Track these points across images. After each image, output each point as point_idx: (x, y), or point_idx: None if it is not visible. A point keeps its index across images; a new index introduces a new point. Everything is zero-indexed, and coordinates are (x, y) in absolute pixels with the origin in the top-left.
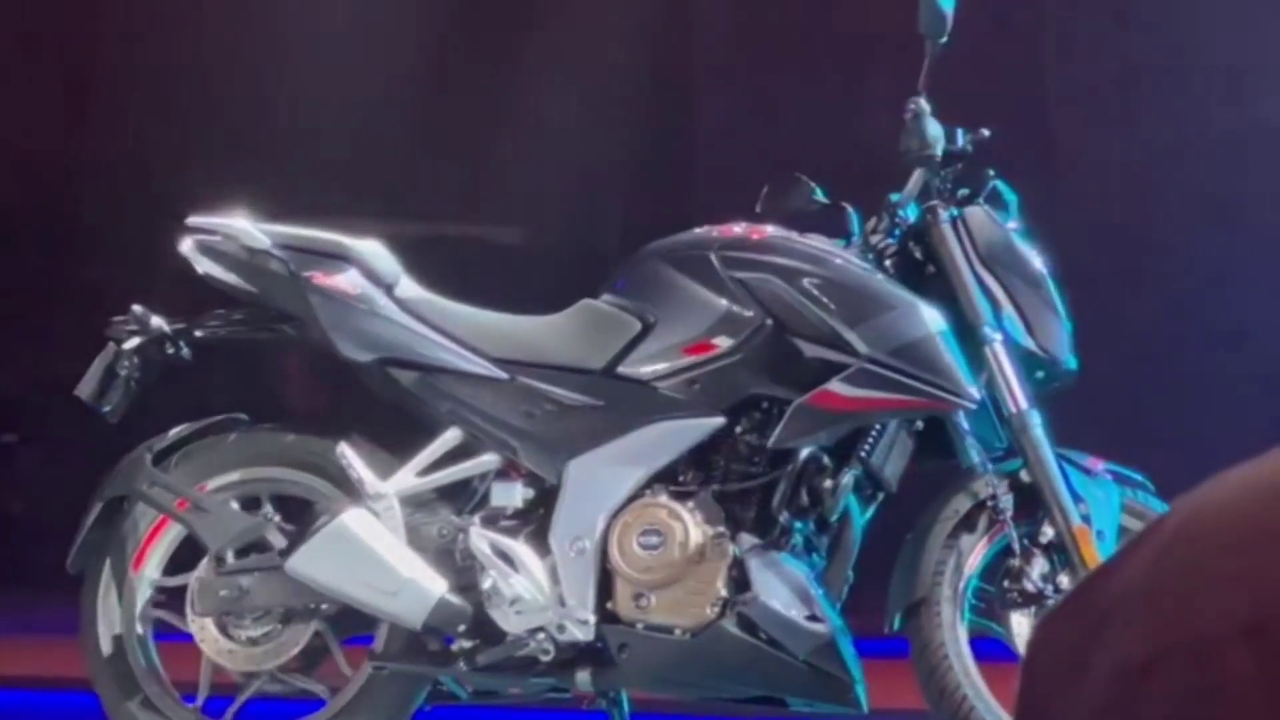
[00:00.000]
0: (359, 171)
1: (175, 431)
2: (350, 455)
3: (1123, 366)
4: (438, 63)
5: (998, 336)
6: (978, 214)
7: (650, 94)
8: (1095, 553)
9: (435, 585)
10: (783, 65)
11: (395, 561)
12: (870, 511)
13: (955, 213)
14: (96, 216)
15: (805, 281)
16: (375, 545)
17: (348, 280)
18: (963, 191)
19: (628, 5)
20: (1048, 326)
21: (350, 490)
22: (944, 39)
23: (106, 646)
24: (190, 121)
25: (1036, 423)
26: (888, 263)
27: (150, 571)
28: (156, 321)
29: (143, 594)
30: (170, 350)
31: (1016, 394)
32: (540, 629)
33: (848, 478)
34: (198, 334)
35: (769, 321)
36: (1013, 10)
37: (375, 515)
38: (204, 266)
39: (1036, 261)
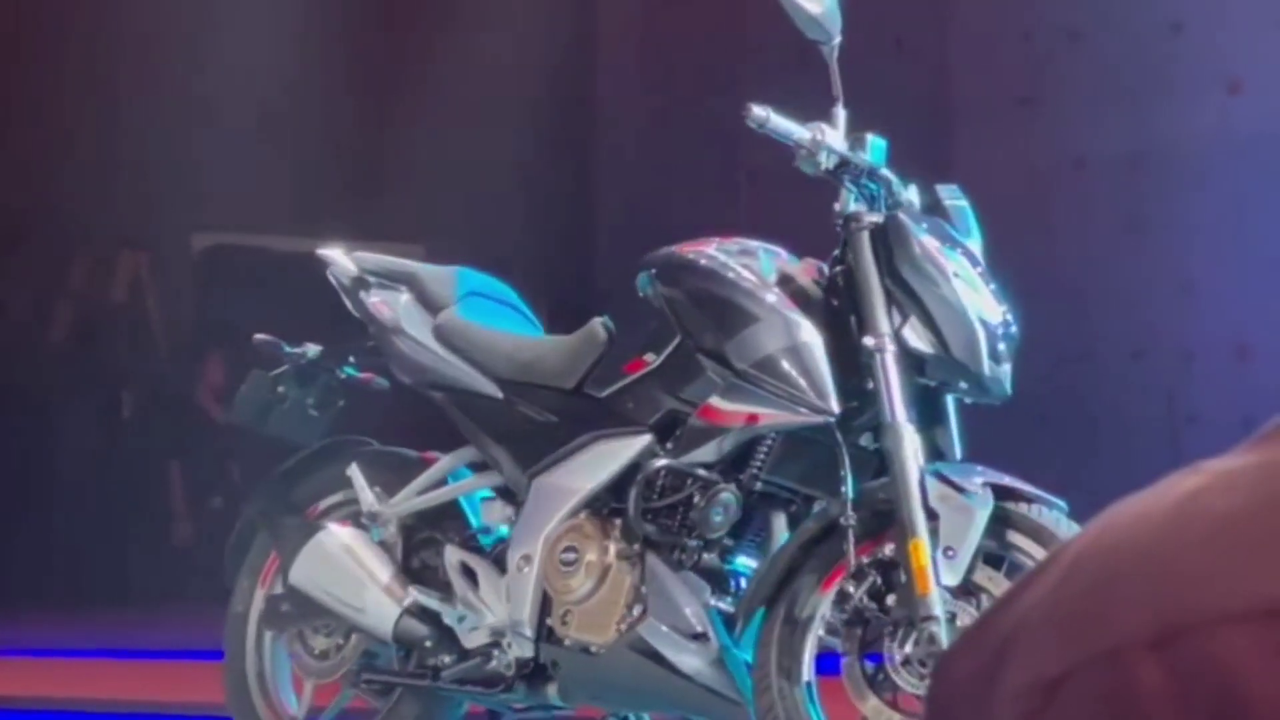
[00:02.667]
0: (263, 194)
1: (300, 454)
2: (356, 475)
3: (1024, 378)
4: (342, 85)
5: (887, 347)
6: (894, 221)
7: (550, 114)
8: (927, 570)
9: (399, 601)
10: (682, 85)
11: (363, 577)
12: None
13: (877, 221)
14: None
15: (702, 296)
16: (347, 560)
17: (390, 305)
18: (897, 199)
19: (531, 29)
20: (962, 337)
21: None
22: (837, 39)
23: (233, 660)
24: (94, 144)
25: (904, 435)
26: (839, 270)
27: (275, 589)
28: (301, 348)
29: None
30: (339, 372)
31: (893, 405)
32: (496, 645)
33: (723, 495)
34: (351, 357)
35: (683, 337)
36: (913, 29)
37: (365, 531)
38: (340, 295)
39: (955, 268)
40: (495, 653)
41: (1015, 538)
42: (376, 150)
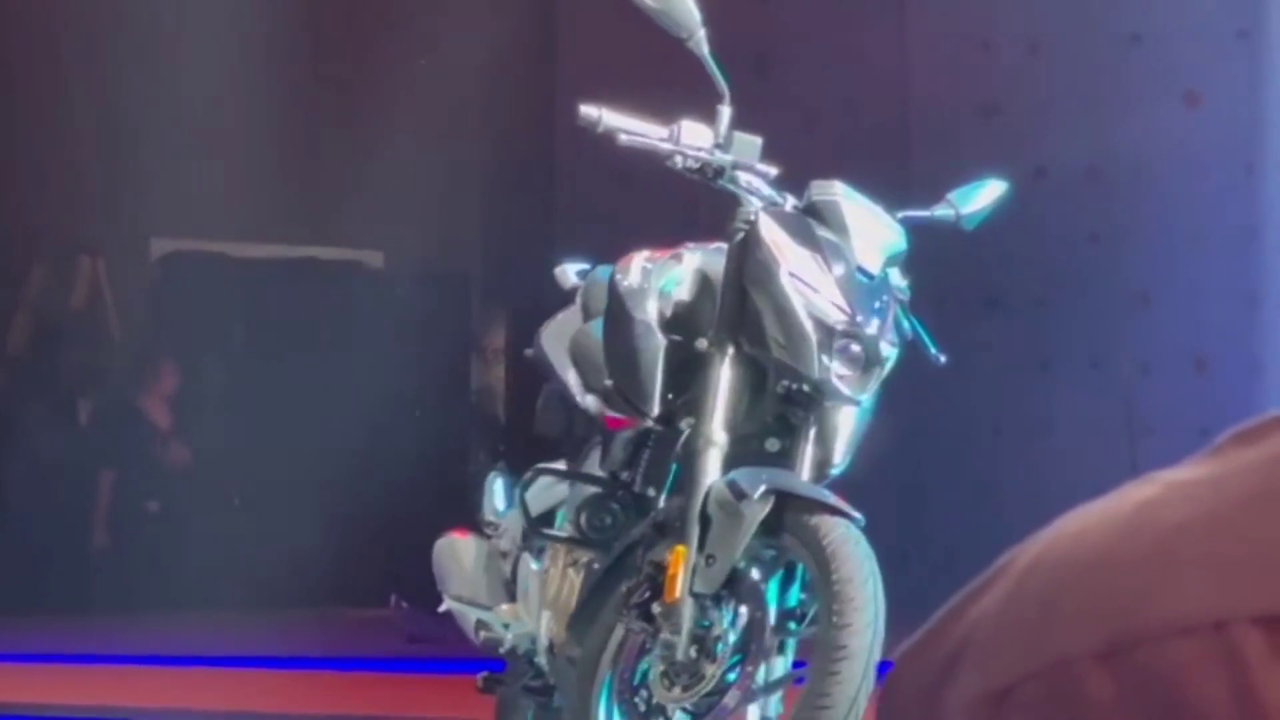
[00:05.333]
0: (221, 199)
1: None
2: (492, 483)
3: (984, 393)
4: (302, 90)
5: (719, 351)
6: (757, 226)
7: (510, 119)
8: (679, 578)
9: (477, 609)
10: (644, 88)
11: (459, 583)
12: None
13: (750, 223)
14: None
15: (607, 304)
16: (451, 567)
17: (553, 317)
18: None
19: (492, 36)
20: (789, 337)
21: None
22: (700, 32)
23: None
24: (51, 150)
25: (707, 443)
26: None
27: None
28: None
29: None
30: None
31: (714, 411)
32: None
33: (606, 502)
34: None
35: None
36: (871, 38)
37: (482, 540)
38: None
39: (794, 266)
40: (536, 659)
41: (793, 546)
42: (336, 157)
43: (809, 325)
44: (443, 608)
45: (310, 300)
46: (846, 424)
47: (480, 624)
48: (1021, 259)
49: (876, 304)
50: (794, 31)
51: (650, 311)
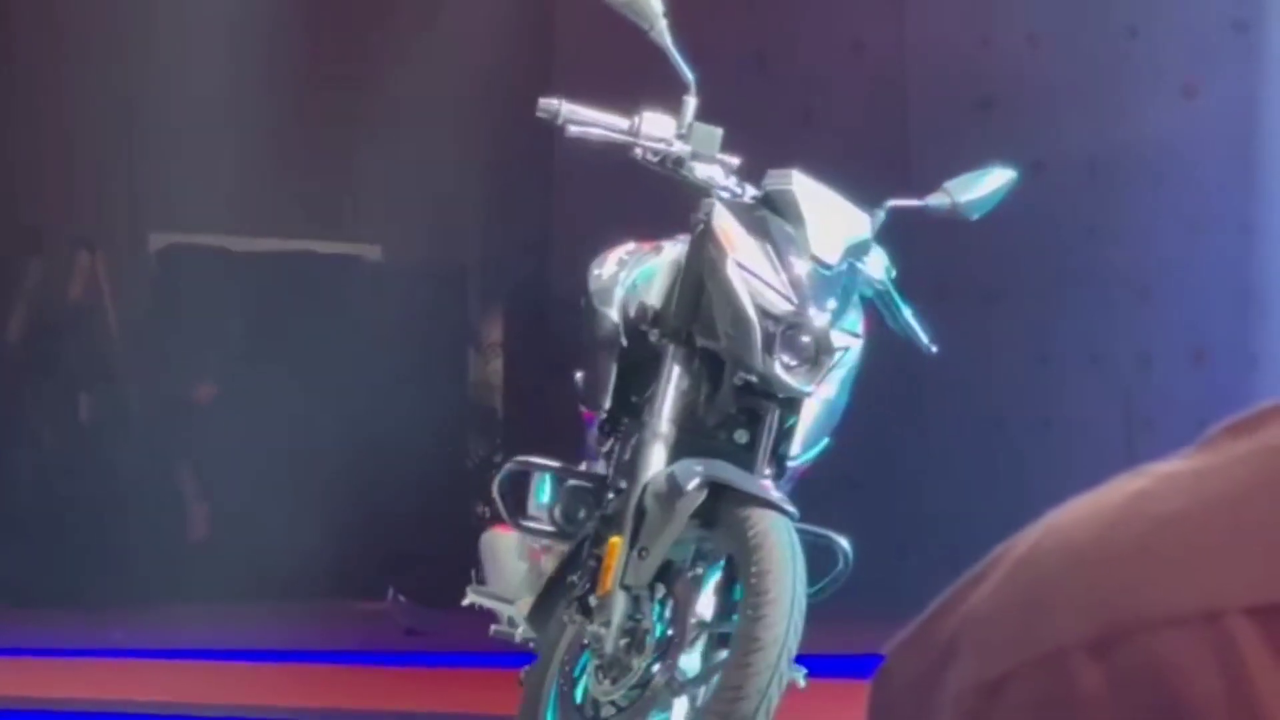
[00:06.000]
0: (221, 193)
1: None
2: (537, 480)
3: (983, 386)
4: (301, 84)
5: (670, 344)
6: (710, 217)
7: (509, 115)
8: (612, 570)
9: (503, 601)
10: (644, 86)
11: (492, 578)
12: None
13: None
14: None
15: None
16: (487, 561)
17: None
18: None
19: (490, 27)
20: (733, 327)
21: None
22: (662, 23)
23: None
24: (49, 145)
25: (653, 436)
26: None
27: None
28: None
29: None
30: None
31: (661, 404)
32: None
33: (584, 494)
34: None
35: None
36: (871, 32)
37: (523, 535)
38: None
39: (742, 257)
40: None
41: (724, 539)
42: (335, 151)
43: (754, 316)
44: (465, 601)
45: (308, 294)
46: (807, 415)
47: (508, 619)
48: (1020, 252)
49: (833, 294)
50: (792, 27)
51: (613, 305)
